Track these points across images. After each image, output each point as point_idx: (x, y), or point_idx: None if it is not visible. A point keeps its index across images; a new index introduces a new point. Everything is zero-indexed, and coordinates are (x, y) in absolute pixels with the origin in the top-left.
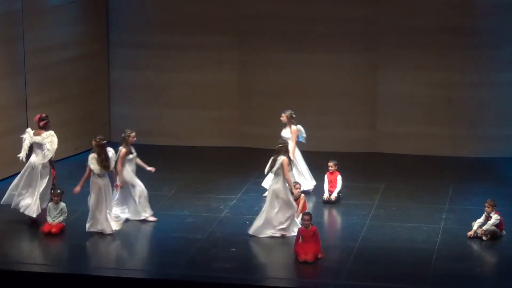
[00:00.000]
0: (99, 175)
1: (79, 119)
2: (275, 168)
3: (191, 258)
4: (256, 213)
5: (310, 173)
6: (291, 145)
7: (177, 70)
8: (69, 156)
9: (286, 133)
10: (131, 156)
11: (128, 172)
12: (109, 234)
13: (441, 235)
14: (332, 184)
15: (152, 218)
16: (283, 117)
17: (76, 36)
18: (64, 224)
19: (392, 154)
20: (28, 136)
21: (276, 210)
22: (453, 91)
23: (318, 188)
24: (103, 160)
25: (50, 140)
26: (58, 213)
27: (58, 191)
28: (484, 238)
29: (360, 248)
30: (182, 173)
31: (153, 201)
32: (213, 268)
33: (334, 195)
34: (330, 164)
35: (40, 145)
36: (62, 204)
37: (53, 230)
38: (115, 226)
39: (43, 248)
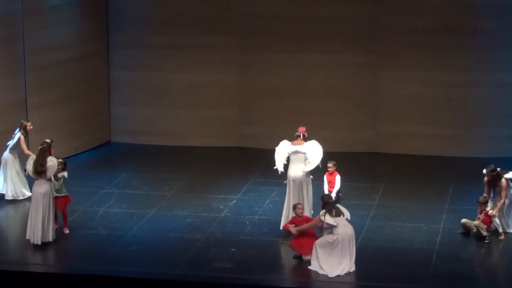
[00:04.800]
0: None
1: (79, 119)
2: None
3: (191, 258)
4: (256, 213)
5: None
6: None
7: (177, 70)
8: (69, 156)
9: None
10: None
11: None
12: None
13: (441, 235)
14: (332, 184)
15: None
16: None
17: (76, 36)
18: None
19: (392, 154)
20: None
21: None
22: (453, 91)
23: (319, 189)
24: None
25: None
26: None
27: (60, 160)
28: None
29: (360, 248)
30: (182, 173)
31: (153, 201)
32: (213, 268)
33: (333, 195)
34: (329, 164)
35: None
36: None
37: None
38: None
39: (43, 248)
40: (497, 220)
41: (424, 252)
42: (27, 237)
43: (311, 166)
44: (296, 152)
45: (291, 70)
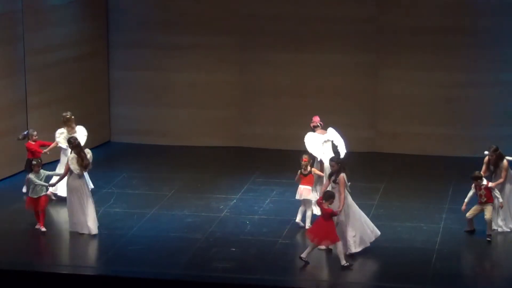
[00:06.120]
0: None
1: (79, 119)
2: None
3: (191, 258)
4: (256, 213)
5: None
6: None
7: (177, 70)
8: None
9: None
10: None
11: None
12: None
13: (441, 235)
14: None
15: None
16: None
17: (76, 36)
18: (47, 195)
19: (392, 154)
20: None
21: None
22: (453, 91)
23: None
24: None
25: None
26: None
27: (39, 161)
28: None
29: None
30: (182, 173)
31: (153, 201)
32: (213, 268)
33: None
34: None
35: None
36: (43, 173)
37: (41, 208)
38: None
39: (42, 248)
40: (496, 192)
41: (424, 252)
42: (79, 230)
43: (344, 151)
44: (327, 140)
45: (291, 70)
